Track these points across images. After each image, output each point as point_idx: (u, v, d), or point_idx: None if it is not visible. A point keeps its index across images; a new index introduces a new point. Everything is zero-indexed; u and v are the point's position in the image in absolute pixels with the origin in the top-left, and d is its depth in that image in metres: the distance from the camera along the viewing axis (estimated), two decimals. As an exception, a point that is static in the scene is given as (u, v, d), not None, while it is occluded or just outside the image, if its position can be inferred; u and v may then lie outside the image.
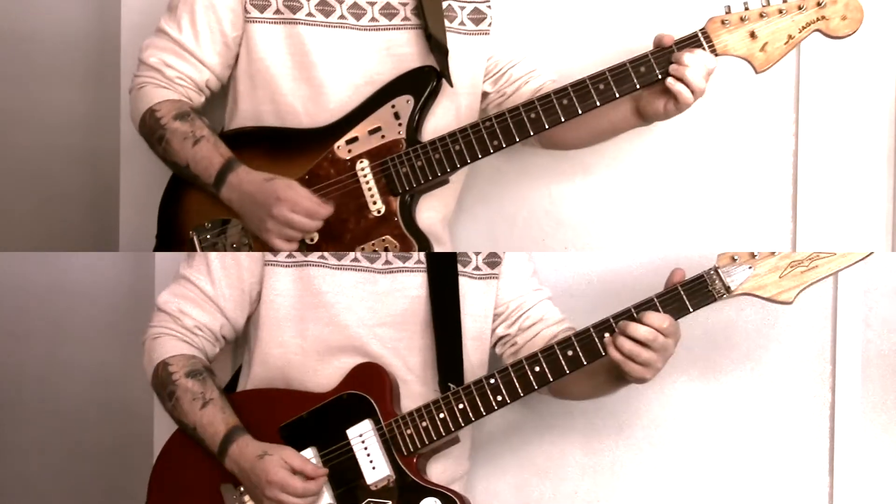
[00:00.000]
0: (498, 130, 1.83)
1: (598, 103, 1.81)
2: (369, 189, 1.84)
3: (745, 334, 2.06)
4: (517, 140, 1.83)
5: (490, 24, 1.96)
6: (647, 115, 1.85)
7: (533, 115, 1.82)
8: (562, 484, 2.12)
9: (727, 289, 1.70)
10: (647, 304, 1.71)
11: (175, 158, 1.84)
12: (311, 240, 1.82)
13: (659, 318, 1.67)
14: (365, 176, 1.84)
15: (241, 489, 1.78)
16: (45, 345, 2.63)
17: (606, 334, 1.72)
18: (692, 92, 1.78)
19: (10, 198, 2.61)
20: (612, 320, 1.72)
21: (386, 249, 1.83)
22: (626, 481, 2.11)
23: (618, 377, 1.76)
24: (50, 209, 2.61)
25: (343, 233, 1.83)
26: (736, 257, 1.69)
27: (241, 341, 1.96)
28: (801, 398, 2.07)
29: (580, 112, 1.81)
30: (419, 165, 1.83)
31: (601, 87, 1.80)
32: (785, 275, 1.68)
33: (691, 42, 1.80)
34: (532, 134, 1.82)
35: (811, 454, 2.07)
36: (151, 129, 1.85)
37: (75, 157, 2.58)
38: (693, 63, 1.76)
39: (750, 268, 1.69)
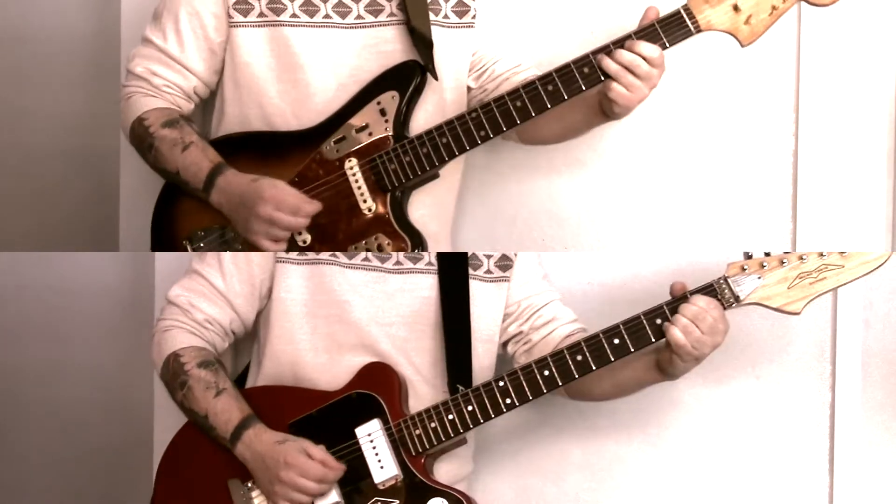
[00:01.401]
0: (484, 120, 1.81)
1: (583, 87, 1.78)
2: (359, 188, 1.84)
3: (745, 334, 2.06)
4: (504, 129, 1.81)
5: (474, 17, 1.95)
6: (607, 111, 1.82)
7: (519, 104, 1.80)
8: (563, 485, 2.12)
9: (736, 298, 1.71)
10: (657, 311, 1.73)
11: (165, 165, 1.84)
12: (304, 242, 1.82)
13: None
14: (354, 175, 1.84)
15: (249, 484, 1.78)
16: (45, 345, 2.63)
17: (616, 339, 1.74)
18: (626, 87, 1.75)
19: (9, 198, 2.61)
20: (621, 326, 1.75)
21: (379, 248, 1.83)
22: (627, 482, 2.11)
23: (644, 369, 1.79)
24: (50, 209, 2.60)
25: (335, 233, 1.83)
26: (745, 266, 1.71)
27: (248, 338, 1.96)
28: (801, 398, 2.07)
29: (566, 97, 1.78)
30: (407, 161, 1.83)
31: (585, 70, 1.78)
32: (793, 286, 1.69)
33: (674, 19, 1.76)
34: (519, 122, 1.80)
35: (811, 454, 2.07)
36: (141, 137, 1.86)
37: (75, 157, 2.58)
38: (624, 59, 1.74)
39: (759, 277, 1.70)
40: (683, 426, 2.10)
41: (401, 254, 1.85)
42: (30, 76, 2.56)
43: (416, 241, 1.84)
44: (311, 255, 1.84)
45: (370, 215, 1.84)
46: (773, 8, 1.75)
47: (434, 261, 1.87)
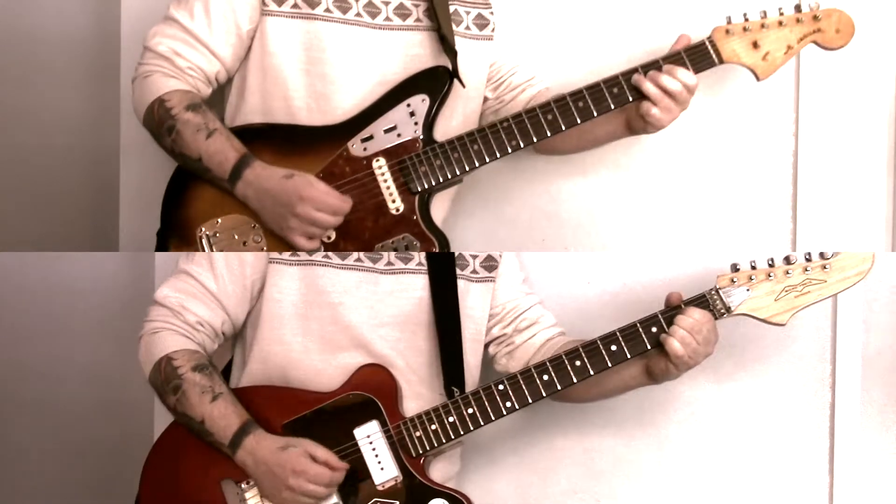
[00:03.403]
0: (516, 131, 1.84)
1: (612, 106, 1.84)
2: (388, 187, 1.84)
3: (745, 335, 2.06)
4: (535, 140, 1.84)
5: (493, 30, 1.97)
6: (636, 129, 1.89)
7: (550, 117, 1.84)
8: (561, 483, 2.13)
9: (727, 309, 1.78)
10: (651, 320, 1.77)
11: (186, 151, 1.80)
12: (329, 238, 1.82)
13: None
14: (383, 174, 1.84)
15: (243, 486, 1.77)
16: (45, 344, 2.62)
17: (613, 346, 1.77)
18: (662, 109, 1.82)
19: (9, 198, 2.60)
20: (618, 333, 1.78)
21: (407, 248, 1.83)
22: (625, 480, 2.11)
23: (634, 377, 1.82)
24: (50, 209, 2.60)
25: (362, 231, 1.83)
26: (735, 279, 1.78)
27: (234, 337, 1.94)
28: (801, 398, 2.08)
29: (595, 115, 1.84)
30: (438, 164, 1.84)
31: (615, 90, 1.84)
32: (779, 298, 1.78)
33: (700, 49, 1.85)
34: (549, 135, 1.84)
35: (811, 454, 2.08)
36: (160, 119, 1.81)
37: (75, 157, 2.58)
38: (665, 85, 1.81)
39: (747, 290, 1.78)
40: (684, 425, 2.10)
41: (392, 254, 1.85)
42: (30, 76, 2.56)
43: (443, 244, 1.85)
44: (303, 255, 1.83)
45: (397, 215, 1.84)
46: (789, 47, 1.86)
47: (424, 261, 1.87)
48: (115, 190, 2.24)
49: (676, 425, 2.10)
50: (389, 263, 1.86)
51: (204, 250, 1.84)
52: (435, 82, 1.86)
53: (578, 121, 1.84)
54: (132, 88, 1.88)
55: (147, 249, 1.96)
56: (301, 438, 1.77)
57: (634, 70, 1.84)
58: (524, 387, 1.78)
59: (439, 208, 1.95)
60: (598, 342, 1.78)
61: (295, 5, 1.85)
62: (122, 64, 2.16)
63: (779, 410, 2.08)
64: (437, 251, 1.84)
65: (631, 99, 1.84)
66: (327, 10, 1.85)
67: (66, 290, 2.61)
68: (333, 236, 1.82)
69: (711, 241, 2.12)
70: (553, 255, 2.12)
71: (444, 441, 1.79)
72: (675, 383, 2.07)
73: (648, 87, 1.82)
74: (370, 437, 1.79)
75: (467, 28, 1.94)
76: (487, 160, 1.84)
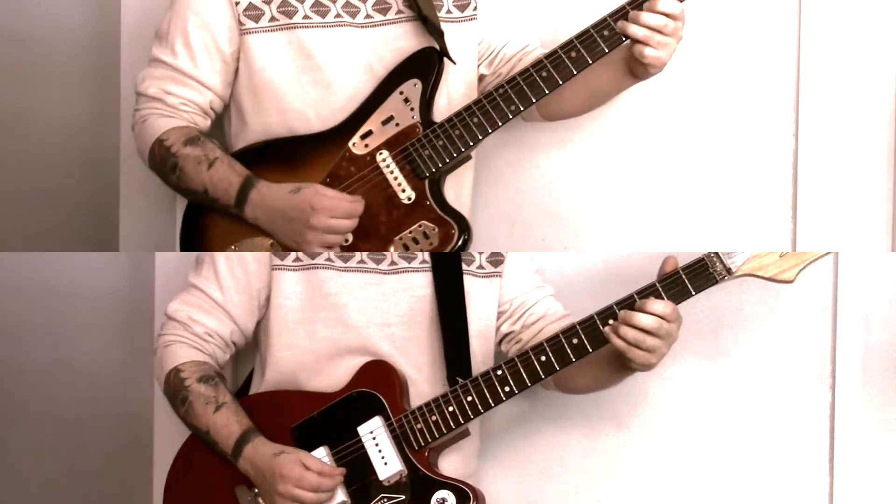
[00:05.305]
0: (512, 94, 1.81)
1: (606, 50, 1.78)
2: (395, 178, 1.83)
3: (745, 334, 2.06)
4: (533, 101, 1.80)
5: (475, 9, 1.95)
6: (638, 74, 1.83)
7: (545, 74, 1.80)
8: (562, 483, 2.12)
9: (728, 270, 1.71)
10: (649, 289, 1.72)
11: (191, 185, 1.81)
12: (347, 241, 1.81)
13: (662, 305, 1.69)
14: (388, 166, 1.83)
15: (256, 490, 1.78)
16: (45, 345, 2.63)
17: (611, 321, 1.73)
18: (657, 47, 1.73)
19: (9, 198, 2.61)
20: (615, 307, 1.73)
21: (425, 236, 1.82)
22: (626, 480, 2.11)
23: (622, 366, 1.77)
24: (50, 209, 2.60)
25: (377, 227, 1.82)
26: None
27: (250, 347, 1.95)
28: (801, 398, 2.07)
29: (590, 62, 1.78)
30: (441, 145, 1.82)
31: (605, 33, 1.77)
32: (785, 254, 1.69)
33: None
34: (547, 92, 1.80)
35: (811, 454, 2.07)
36: (162, 159, 1.82)
37: (75, 157, 2.58)
38: (650, 22, 1.73)
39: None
40: (684, 426, 2.10)
41: (395, 253, 1.85)
42: (30, 76, 2.56)
43: (463, 225, 1.82)
44: (306, 260, 1.84)
45: (410, 204, 1.83)
46: None
47: (428, 259, 1.87)
48: (115, 190, 2.24)
49: (676, 426, 2.10)
50: (393, 263, 1.86)
51: None
52: (424, 64, 1.85)
53: (574, 71, 1.78)
54: (133, 136, 1.89)
55: (147, 249, 1.96)
56: (298, 449, 1.77)
57: (622, 9, 1.76)
58: (522, 370, 1.76)
59: (459, 196, 1.92)
60: (595, 317, 1.74)
61: (272, 18, 1.84)
62: (122, 64, 2.17)
63: (778, 410, 2.08)
64: (457, 233, 1.81)
65: (625, 39, 1.76)
66: (306, 16, 1.84)
67: (66, 290, 2.61)
68: (351, 238, 1.81)
69: (711, 241, 2.12)
70: (553, 254, 2.11)
71: (444, 431, 1.78)
72: (676, 383, 2.08)
73: (635, 30, 1.73)
74: (373, 433, 1.79)
75: (448, 12, 1.92)
76: (490, 131, 1.81)
